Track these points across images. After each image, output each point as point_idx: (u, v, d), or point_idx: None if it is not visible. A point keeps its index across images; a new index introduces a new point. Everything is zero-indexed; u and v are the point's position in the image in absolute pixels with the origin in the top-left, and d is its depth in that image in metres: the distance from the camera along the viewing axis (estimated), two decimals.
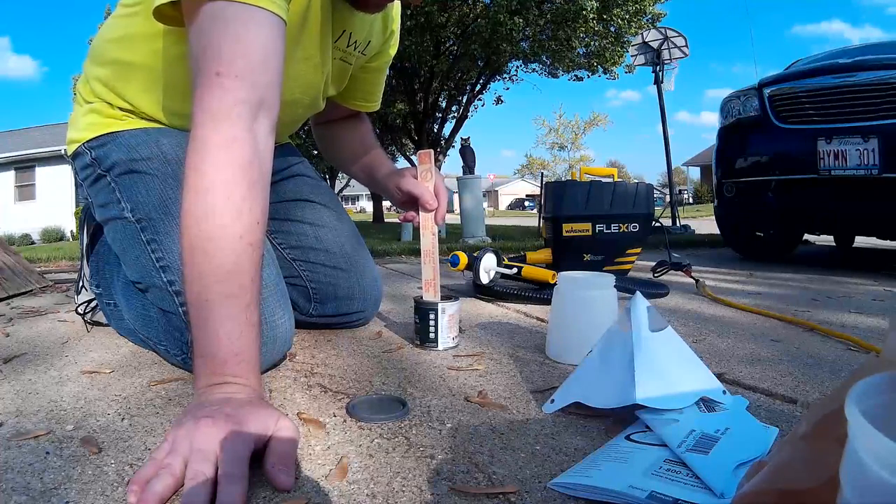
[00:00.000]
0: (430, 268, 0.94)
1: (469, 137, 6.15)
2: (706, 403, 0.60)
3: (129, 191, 0.78)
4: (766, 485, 0.30)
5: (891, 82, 1.96)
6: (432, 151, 0.95)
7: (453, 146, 11.25)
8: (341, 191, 18.92)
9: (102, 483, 0.47)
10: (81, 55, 0.91)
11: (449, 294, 0.95)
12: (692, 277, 1.67)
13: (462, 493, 0.46)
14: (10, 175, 14.62)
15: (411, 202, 0.95)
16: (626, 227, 1.81)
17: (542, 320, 1.18)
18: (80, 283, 1.06)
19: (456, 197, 6.20)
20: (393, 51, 1.06)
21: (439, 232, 0.95)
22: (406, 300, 1.41)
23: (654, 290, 1.45)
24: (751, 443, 0.52)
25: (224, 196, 0.55)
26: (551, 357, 0.88)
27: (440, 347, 0.91)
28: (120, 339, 0.96)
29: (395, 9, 1.00)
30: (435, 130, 11.31)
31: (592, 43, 8.45)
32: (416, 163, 0.94)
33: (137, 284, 0.79)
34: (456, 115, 11.39)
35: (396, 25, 1.03)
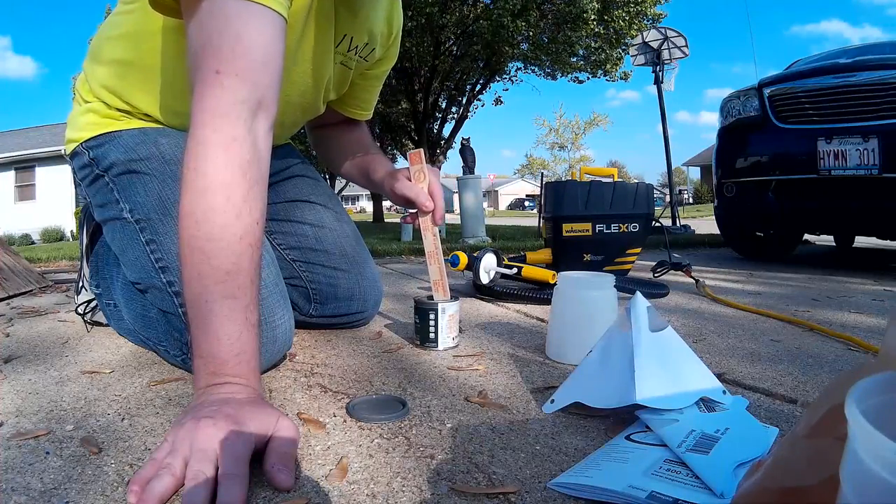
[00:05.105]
0: (435, 268, 0.94)
1: (469, 137, 6.14)
2: (706, 403, 0.60)
3: (127, 191, 0.78)
4: (767, 482, 0.30)
5: (891, 82, 1.96)
6: (422, 150, 0.93)
7: (453, 146, 11.24)
8: (341, 191, 18.94)
9: (102, 483, 0.47)
10: (81, 55, 0.91)
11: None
12: (692, 277, 1.67)
13: (462, 493, 0.46)
14: (10, 175, 14.62)
15: (411, 204, 0.95)
16: (626, 227, 1.81)
17: (542, 320, 1.18)
18: (80, 283, 1.06)
19: (456, 197, 6.20)
20: (394, 59, 1.05)
21: (439, 232, 0.95)
22: (406, 300, 1.41)
23: (654, 290, 1.45)
24: (751, 443, 0.52)
25: (224, 197, 0.55)
26: (551, 357, 0.88)
27: (440, 347, 0.91)
28: (120, 339, 0.96)
29: (398, 14, 1.00)
30: (435, 131, 11.31)
31: (592, 45, 8.45)
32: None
33: (137, 285, 0.79)
34: (456, 115, 11.39)
35: (399, 30, 1.02)
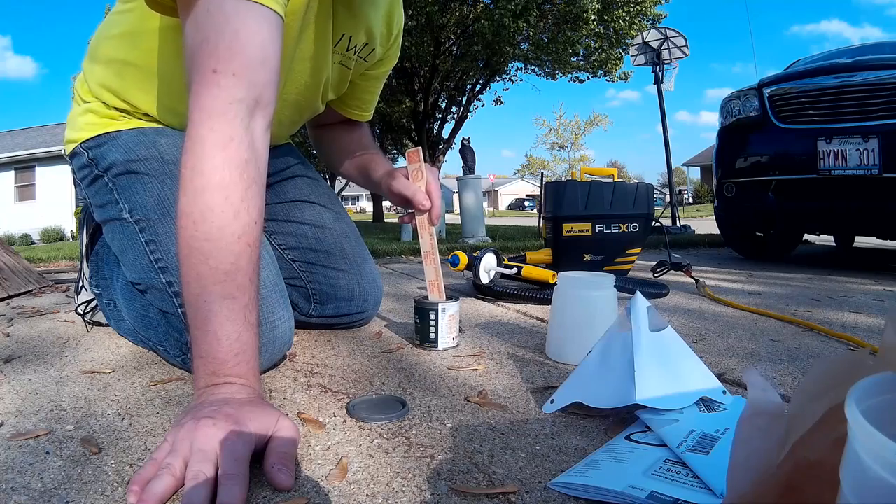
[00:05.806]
0: (431, 269, 0.93)
1: (469, 137, 6.15)
2: (706, 403, 0.60)
3: (126, 191, 0.78)
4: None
5: (891, 82, 1.96)
6: (420, 149, 0.92)
7: (453, 146, 11.24)
8: (341, 191, 18.93)
9: (102, 483, 0.47)
10: (81, 55, 0.91)
11: (449, 294, 0.95)
12: (692, 277, 1.67)
13: (462, 493, 0.46)
14: (10, 175, 14.62)
15: (408, 202, 0.94)
16: (626, 227, 1.81)
17: (542, 320, 1.18)
18: (80, 284, 1.06)
19: (456, 197, 6.21)
20: (394, 59, 1.05)
21: (438, 232, 0.94)
22: (406, 300, 1.41)
23: (654, 290, 1.45)
24: None
25: (222, 196, 0.55)
26: (551, 357, 0.88)
27: (440, 347, 0.91)
28: (120, 339, 0.96)
29: (399, 14, 0.99)
30: (435, 131, 11.31)
31: (593, 45, 8.45)
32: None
33: (137, 285, 0.79)
34: (456, 115, 11.39)
35: (399, 30, 1.02)
